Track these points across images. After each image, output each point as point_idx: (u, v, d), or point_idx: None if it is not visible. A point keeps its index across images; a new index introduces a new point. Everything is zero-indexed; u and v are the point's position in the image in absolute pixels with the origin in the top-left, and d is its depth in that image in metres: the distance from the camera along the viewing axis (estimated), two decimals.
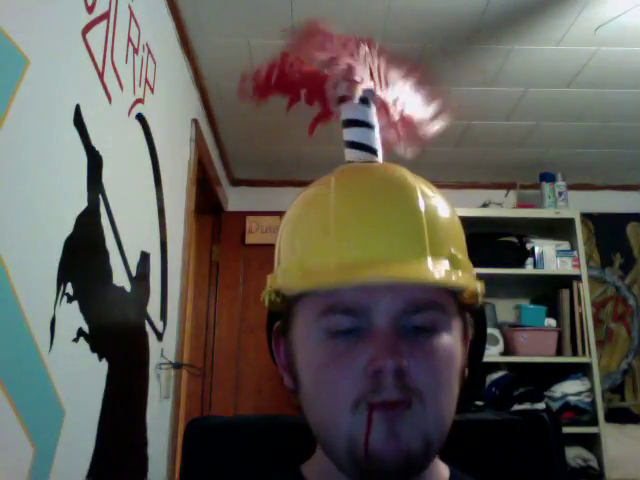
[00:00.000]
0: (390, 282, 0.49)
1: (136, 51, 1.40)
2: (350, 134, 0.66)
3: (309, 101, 0.67)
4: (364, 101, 0.66)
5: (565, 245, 2.73)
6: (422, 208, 0.52)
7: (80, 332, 1.07)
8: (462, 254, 0.54)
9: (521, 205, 2.89)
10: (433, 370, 0.49)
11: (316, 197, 0.57)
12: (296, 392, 0.55)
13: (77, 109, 1.04)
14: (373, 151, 0.64)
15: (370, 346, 0.48)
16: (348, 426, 0.48)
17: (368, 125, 0.66)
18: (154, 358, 1.64)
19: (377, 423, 0.47)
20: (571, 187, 2.91)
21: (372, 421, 0.47)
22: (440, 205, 0.55)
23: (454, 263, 0.52)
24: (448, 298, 0.52)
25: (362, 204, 0.52)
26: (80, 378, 1.08)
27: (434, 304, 0.51)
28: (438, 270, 0.50)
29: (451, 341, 0.51)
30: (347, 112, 0.66)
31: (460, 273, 0.52)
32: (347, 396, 0.48)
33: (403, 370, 0.47)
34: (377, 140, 0.65)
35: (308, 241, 0.54)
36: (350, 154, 0.65)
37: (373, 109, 0.67)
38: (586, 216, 3.06)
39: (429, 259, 0.50)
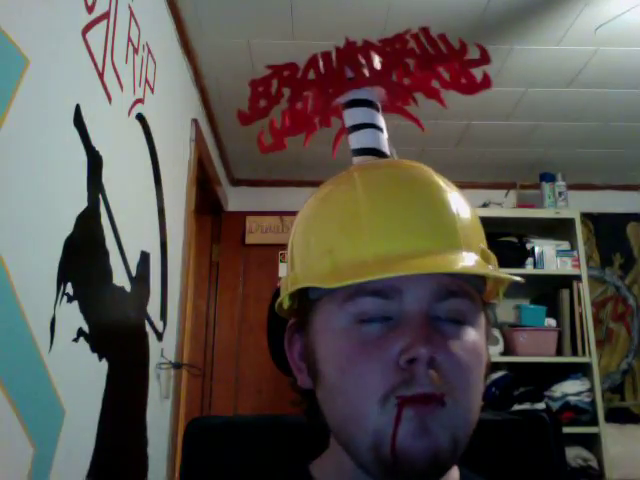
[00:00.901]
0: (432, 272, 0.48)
1: (136, 51, 1.40)
2: (357, 139, 0.64)
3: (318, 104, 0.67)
4: (369, 104, 0.65)
5: (565, 245, 2.73)
6: (452, 205, 0.52)
7: (80, 332, 1.07)
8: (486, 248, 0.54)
9: (521, 205, 2.89)
10: (465, 366, 0.47)
11: (338, 194, 0.55)
12: (312, 391, 0.53)
13: (77, 109, 1.04)
14: (385, 156, 0.63)
15: (403, 334, 0.46)
16: (374, 421, 0.46)
17: (376, 127, 0.64)
18: (154, 358, 1.64)
19: (407, 419, 0.45)
20: (571, 187, 2.91)
21: (401, 417, 0.45)
22: (462, 201, 0.55)
23: (484, 258, 0.52)
24: (475, 292, 0.52)
25: (393, 199, 0.51)
26: (80, 378, 1.08)
27: (464, 292, 0.50)
28: (474, 262, 0.50)
29: (479, 337, 0.50)
30: (353, 117, 0.65)
31: (491, 267, 0.51)
32: (375, 389, 0.46)
33: (436, 362, 0.45)
34: (387, 143, 0.64)
35: (337, 239, 0.51)
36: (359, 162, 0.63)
37: (379, 112, 0.66)
38: (586, 216, 3.06)
39: (463, 252, 0.50)
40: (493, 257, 0.53)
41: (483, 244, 0.53)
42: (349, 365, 0.48)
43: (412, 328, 0.46)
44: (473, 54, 0.66)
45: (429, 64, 0.66)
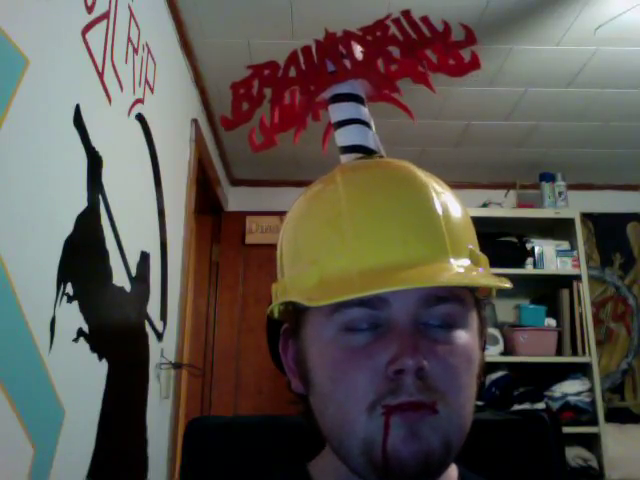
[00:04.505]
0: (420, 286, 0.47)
1: (136, 51, 1.40)
2: (344, 136, 0.61)
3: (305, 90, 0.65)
4: (354, 98, 0.63)
5: (565, 245, 2.73)
6: (438, 206, 0.50)
7: (80, 332, 1.07)
8: (476, 249, 0.53)
9: (521, 205, 2.89)
10: (455, 371, 0.47)
11: (323, 199, 0.54)
12: (306, 396, 0.53)
13: (77, 109, 1.04)
14: (372, 153, 0.60)
15: (390, 344, 0.46)
16: (364, 428, 0.46)
17: (361, 122, 0.62)
18: (154, 358, 1.64)
19: (395, 426, 0.45)
20: (571, 187, 2.91)
21: (389, 425, 0.45)
22: (452, 201, 0.53)
23: (474, 260, 0.50)
24: (466, 292, 0.51)
25: (376, 204, 0.50)
26: (80, 378, 1.08)
27: (454, 296, 0.49)
28: (463, 270, 0.49)
29: (470, 339, 0.50)
30: (337, 112, 0.63)
31: (481, 270, 0.50)
32: (363, 397, 0.46)
33: (425, 370, 0.45)
34: (373, 138, 0.62)
35: (321, 247, 0.50)
36: (347, 160, 0.61)
37: (364, 105, 0.63)
38: (586, 216, 3.06)
39: (451, 260, 0.48)
40: (483, 258, 0.52)
41: (474, 245, 0.52)
42: (339, 373, 0.48)
43: (399, 337, 0.46)
44: (459, 36, 0.63)
45: (412, 50, 0.63)
